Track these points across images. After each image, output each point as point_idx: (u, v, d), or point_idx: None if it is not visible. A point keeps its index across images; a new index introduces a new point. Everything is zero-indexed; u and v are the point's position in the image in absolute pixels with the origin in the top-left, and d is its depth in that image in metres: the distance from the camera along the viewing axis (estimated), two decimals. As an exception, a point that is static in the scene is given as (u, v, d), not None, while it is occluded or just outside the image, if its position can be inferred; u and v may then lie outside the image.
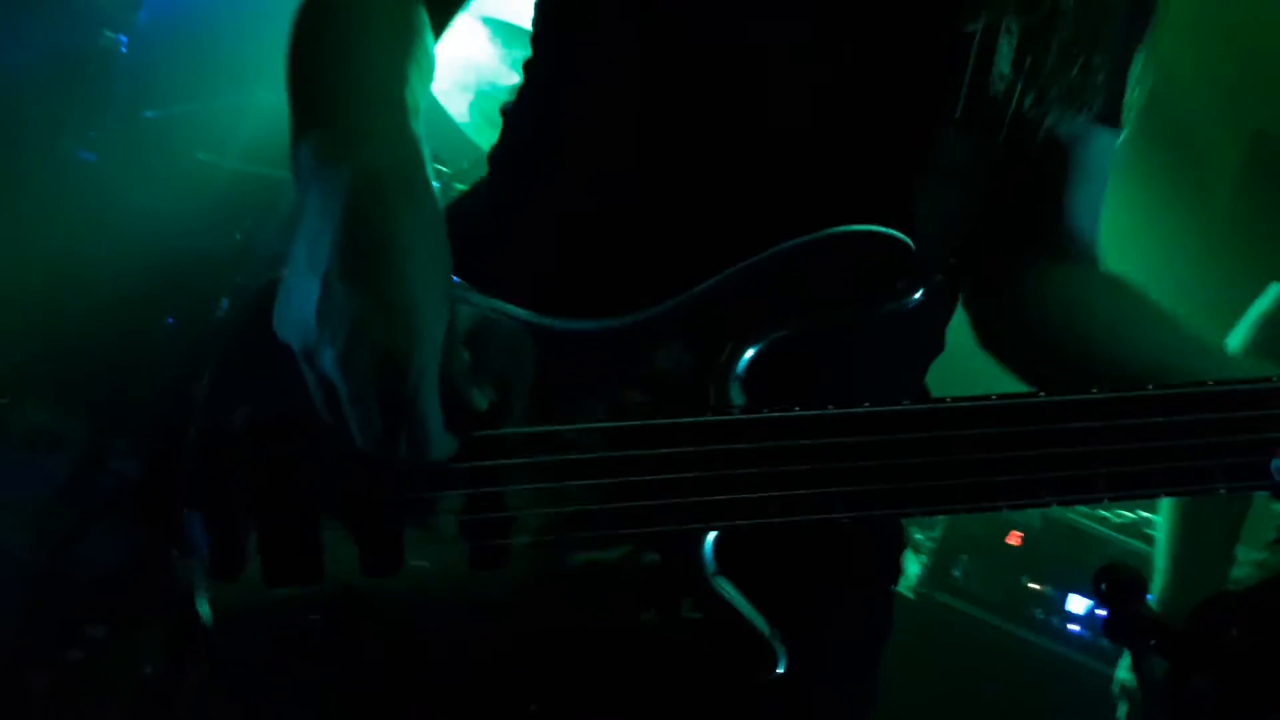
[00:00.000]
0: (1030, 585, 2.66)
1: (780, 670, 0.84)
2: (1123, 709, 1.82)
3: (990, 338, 1.09)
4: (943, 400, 0.81)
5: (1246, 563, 1.86)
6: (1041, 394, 0.80)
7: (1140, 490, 0.79)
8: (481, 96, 2.94)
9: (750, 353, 0.85)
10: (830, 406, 0.82)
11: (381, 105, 0.84)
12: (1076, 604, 2.66)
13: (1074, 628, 2.65)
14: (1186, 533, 1.80)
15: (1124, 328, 0.99)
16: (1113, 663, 2.61)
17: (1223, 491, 0.79)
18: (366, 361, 0.74)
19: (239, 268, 3.37)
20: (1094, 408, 0.79)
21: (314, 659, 0.87)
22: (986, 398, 0.80)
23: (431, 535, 0.85)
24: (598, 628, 0.87)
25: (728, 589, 0.84)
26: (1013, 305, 1.06)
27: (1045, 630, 2.64)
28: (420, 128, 0.84)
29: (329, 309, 0.75)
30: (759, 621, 0.84)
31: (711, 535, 0.85)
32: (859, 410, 0.81)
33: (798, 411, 0.82)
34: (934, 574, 2.71)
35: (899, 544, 1.07)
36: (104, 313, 3.26)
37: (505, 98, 1.14)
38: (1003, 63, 0.92)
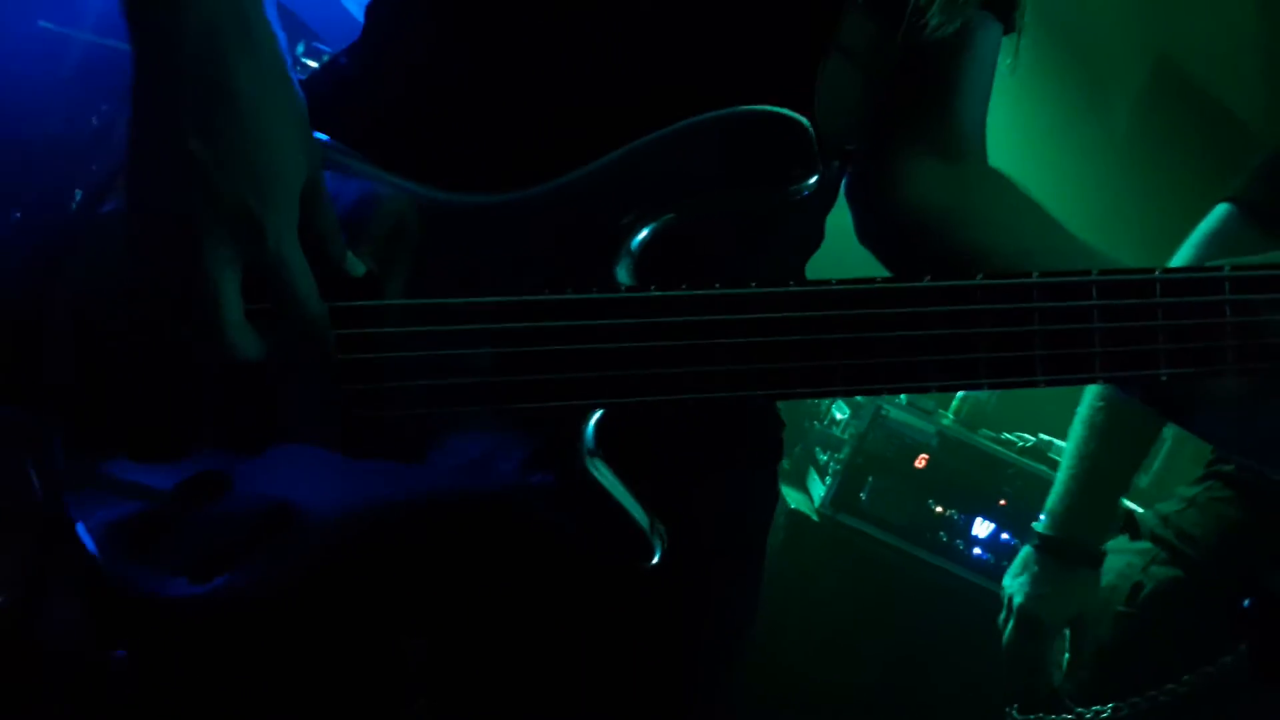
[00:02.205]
0: (936, 509, 2.62)
1: (655, 560, 0.85)
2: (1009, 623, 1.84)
3: (867, 231, 1.12)
4: (828, 282, 0.82)
5: (1176, 497, 1.80)
6: (928, 279, 0.81)
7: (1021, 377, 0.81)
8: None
9: (642, 233, 0.85)
10: (718, 285, 0.82)
11: None
12: (981, 528, 2.64)
13: (978, 551, 2.64)
14: (1091, 448, 1.74)
15: (997, 225, 1.02)
16: (1016, 587, 2.61)
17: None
18: (221, 220, 0.73)
19: (95, 156, 2.98)
20: (970, 293, 0.81)
21: (180, 547, 0.86)
22: (871, 280, 0.81)
23: (305, 407, 0.84)
24: (473, 507, 0.87)
25: (604, 472, 0.85)
26: (892, 199, 1.07)
27: (950, 554, 2.63)
28: None
29: (173, 171, 0.73)
30: (634, 508, 0.85)
31: (594, 416, 0.85)
32: (744, 290, 0.82)
33: (685, 290, 0.83)
34: (840, 496, 2.67)
35: (777, 423, 1.10)
36: (-65, 202, 2.86)
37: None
38: None
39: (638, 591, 0.94)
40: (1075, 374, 0.79)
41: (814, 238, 1.07)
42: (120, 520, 0.87)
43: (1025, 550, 1.88)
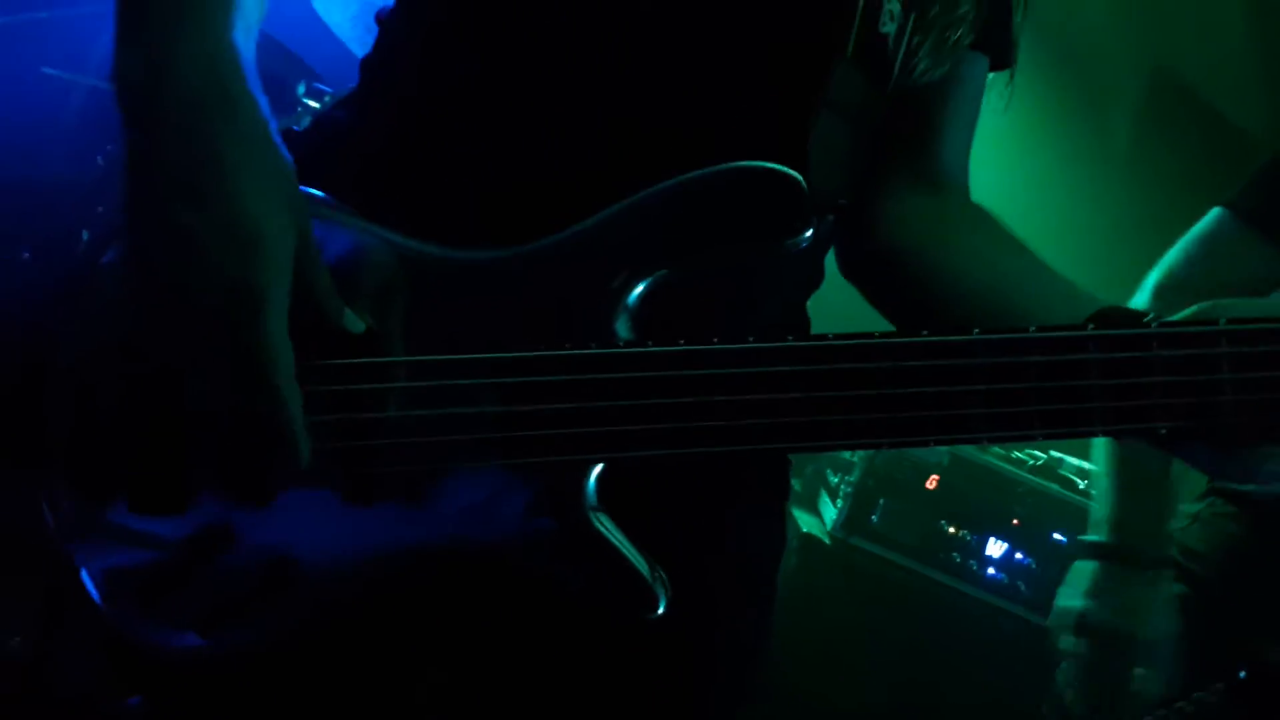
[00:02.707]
0: (948, 529, 2.60)
1: (660, 611, 0.84)
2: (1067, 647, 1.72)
3: (850, 266, 1.12)
4: (825, 336, 0.82)
5: (1182, 515, 1.78)
6: (924, 332, 0.81)
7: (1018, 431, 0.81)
8: (366, 7, 2.62)
9: (639, 289, 0.85)
10: (716, 340, 0.83)
11: (192, 15, 0.78)
12: (994, 548, 2.63)
13: (991, 571, 2.62)
14: (1123, 467, 1.71)
15: (974, 254, 1.03)
16: (1031, 606, 2.60)
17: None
18: (206, 286, 0.73)
19: (102, 196, 3.02)
20: (970, 348, 0.80)
21: (187, 600, 0.86)
22: (869, 335, 0.81)
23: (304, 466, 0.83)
24: (476, 557, 0.87)
25: (607, 525, 0.85)
26: (872, 235, 1.08)
27: (963, 574, 2.62)
28: (240, 32, 0.80)
29: (162, 240, 0.73)
30: (638, 560, 0.85)
31: (595, 470, 0.85)
32: (742, 345, 0.82)
33: (683, 345, 0.83)
34: (851, 518, 2.67)
35: (784, 460, 1.10)
36: (-54, 248, 2.89)
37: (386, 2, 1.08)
38: (893, 1, 0.93)
39: (646, 639, 0.93)
40: (1074, 428, 0.79)
41: (815, 278, 1.07)
42: (125, 570, 0.87)
43: (1084, 566, 1.81)
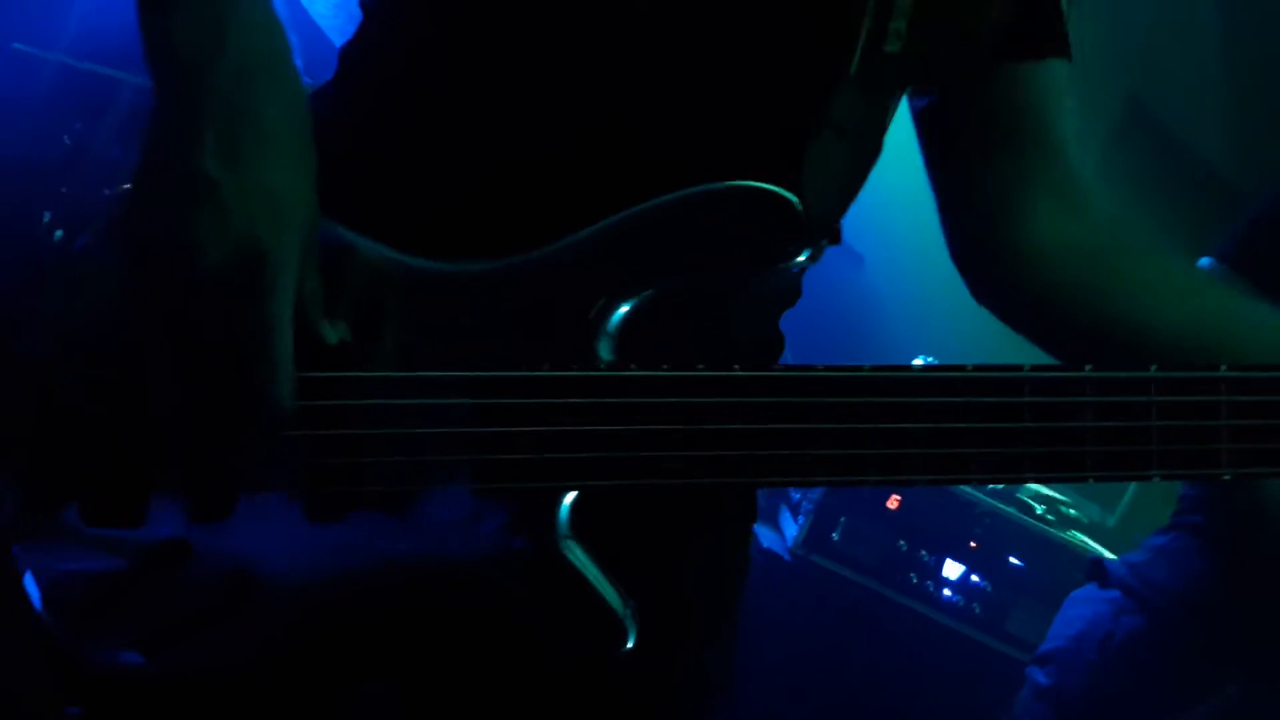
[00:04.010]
0: (907, 549, 2.60)
1: (630, 645, 0.82)
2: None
3: (1002, 304, 1.04)
4: (814, 368, 0.80)
5: (1143, 548, 1.80)
6: (915, 368, 0.80)
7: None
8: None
9: (623, 309, 0.83)
10: (700, 366, 0.80)
11: None
12: (951, 569, 2.63)
13: (947, 593, 2.63)
14: None
15: (1161, 300, 0.95)
16: (984, 629, 2.61)
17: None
18: (225, 243, 0.71)
19: (66, 176, 2.95)
20: (957, 385, 0.78)
21: (135, 617, 0.82)
22: (859, 368, 0.79)
23: (268, 481, 0.80)
24: (444, 587, 0.84)
25: (578, 554, 0.82)
26: (1024, 270, 1.01)
27: (920, 595, 2.61)
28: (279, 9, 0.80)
29: (188, 194, 0.71)
30: (609, 592, 0.82)
31: (568, 497, 0.82)
32: (727, 373, 0.80)
33: (666, 370, 0.80)
34: (812, 536, 2.66)
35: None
36: (-99, 224, 2.79)
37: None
38: (899, 19, 0.90)
39: (613, 668, 0.90)
40: (1067, 473, 0.77)
41: (793, 295, 1.05)
42: (73, 580, 0.83)
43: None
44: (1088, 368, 0.78)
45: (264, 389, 0.74)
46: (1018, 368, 0.78)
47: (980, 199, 1.02)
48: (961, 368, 0.78)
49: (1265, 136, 3.59)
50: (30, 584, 0.84)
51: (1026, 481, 0.77)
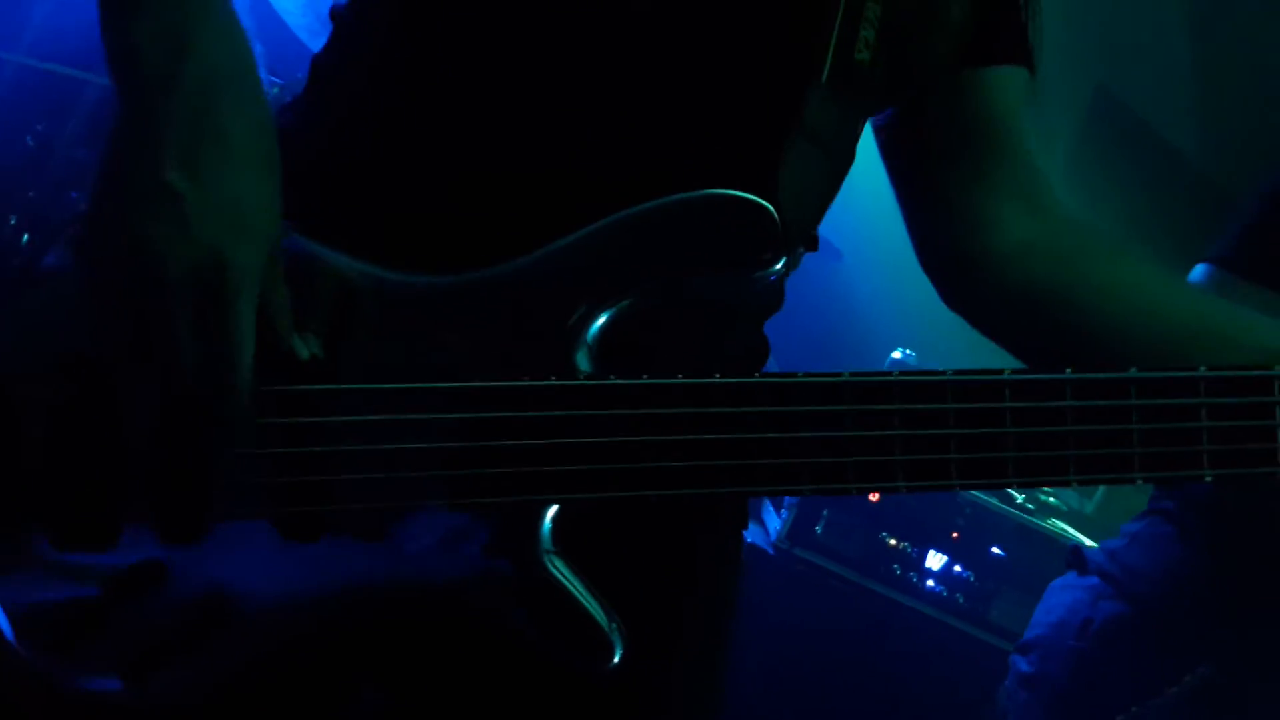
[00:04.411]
0: (889, 541, 2.61)
1: (616, 660, 0.80)
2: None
3: (967, 305, 1.04)
4: (794, 375, 0.79)
5: (1121, 534, 1.80)
6: (895, 374, 0.79)
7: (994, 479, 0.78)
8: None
9: (601, 319, 0.81)
10: (680, 375, 0.79)
11: None
12: (934, 560, 2.65)
13: (931, 584, 2.64)
14: None
15: (1132, 300, 0.95)
16: (968, 619, 2.62)
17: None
18: (188, 255, 0.70)
19: (31, 180, 2.89)
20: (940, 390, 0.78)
21: (112, 643, 0.80)
22: (838, 375, 0.78)
23: (241, 501, 0.78)
24: (423, 607, 0.83)
25: (562, 570, 0.81)
26: (992, 272, 1.00)
27: (903, 586, 2.62)
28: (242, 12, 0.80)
29: (150, 205, 0.70)
30: (594, 607, 0.81)
31: (550, 511, 0.81)
32: (707, 380, 0.79)
33: (645, 379, 0.79)
34: (795, 529, 2.65)
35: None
36: None
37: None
38: (868, 28, 0.90)
39: (602, 684, 0.88)
40: (1050, 476, 0.77)
41: (776, 302, 1.04)
42: (45, 607, 0.80)
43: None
44: (1069, 370, 0.77)
45: (224, 398, 0.73)
46: (998, 371, 0.77)
47: (944, 206, 1.02)
48: (941, 372, 0.78)
49: (1235, 123, 3.62)
50: (2, 617, 0.82)
51: (1011, 486, 0.76)
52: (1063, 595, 1.88)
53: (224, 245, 0.71)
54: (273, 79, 2.75)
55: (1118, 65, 4.12)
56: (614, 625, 0.81)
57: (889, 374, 0.78)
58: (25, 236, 2.68)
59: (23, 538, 0.80)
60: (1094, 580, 1.84)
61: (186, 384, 0.72)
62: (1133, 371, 0.77)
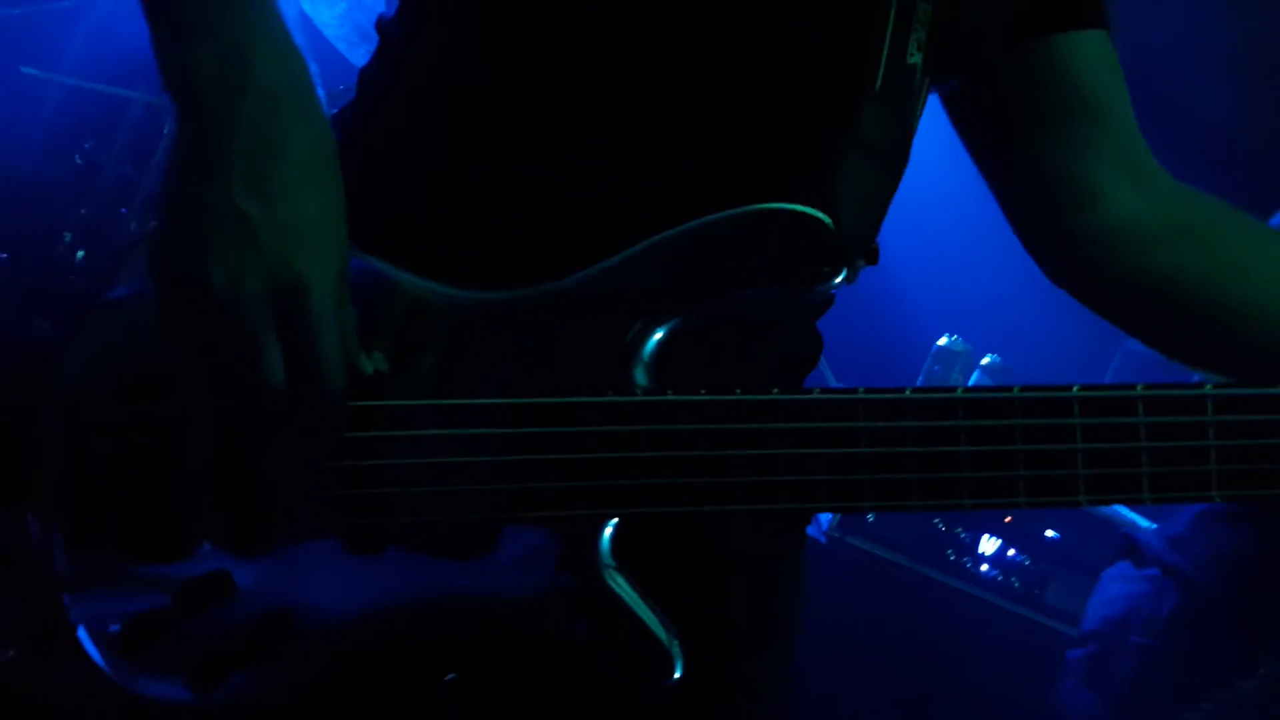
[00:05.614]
0: (942, 527, 2.58)
1: (677, 675, 0.80)
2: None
3: (1085, 289, 0.99)
4: (855, 390, 0.78)
5: (1180, 518, 1.77)
6: (959, 390, 0.78)
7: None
8: (354, 5, 2.53)
9: (658, 334, 0.81)
10: (738, 390, 0.79)
11: (264, 14, 0.77)
12: (987, 545, 2.62)
13: (985, 568, 2.61)
14: None
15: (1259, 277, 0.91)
16: (1025, 603, 2.59)
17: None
18: (265, 278, 0.71)
19: (83, 198, 2.94)
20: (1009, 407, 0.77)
21: (182, 652, 0.81)
22: (900, 390, 0.78)
23: (309, 513, 0.80)
24: (485, 622, 0.83)
25: (622, 585, 0.81)
26: (1108, 253, 0.95)
27: (958, 572, 2.59)
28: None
29: (220, 228, 0.71)
30: (653, 622, 0.80)
31: (609, 525, 0.81)
32: (766, 397, 0.78)
33: (704, 395, 0.79)
34: (847, 518, 2.63)
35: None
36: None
37: (382, 7, 0.90)
38: (920, 29, 0.89)
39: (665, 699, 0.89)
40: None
41: (828, 300, 1.02)
42: (122, 622, 0.82)
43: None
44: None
45: (321, 415, 0.74)
46: (1008, 389, 0.77)
47: (1037, 179, 0.97)
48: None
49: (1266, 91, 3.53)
50: (82, 632, 0.84)
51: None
52: (1121, 587, 1.84)
53: (299, 265, 0.71)
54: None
55: (1156, 32, 4.03)
56: (674, 640, 0.81)
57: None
58: (80, 253, 2.74)
59: (98, 552, 0.82)
60: (1154, 571, 1.81)
61: (277, 403, 0.73)
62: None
